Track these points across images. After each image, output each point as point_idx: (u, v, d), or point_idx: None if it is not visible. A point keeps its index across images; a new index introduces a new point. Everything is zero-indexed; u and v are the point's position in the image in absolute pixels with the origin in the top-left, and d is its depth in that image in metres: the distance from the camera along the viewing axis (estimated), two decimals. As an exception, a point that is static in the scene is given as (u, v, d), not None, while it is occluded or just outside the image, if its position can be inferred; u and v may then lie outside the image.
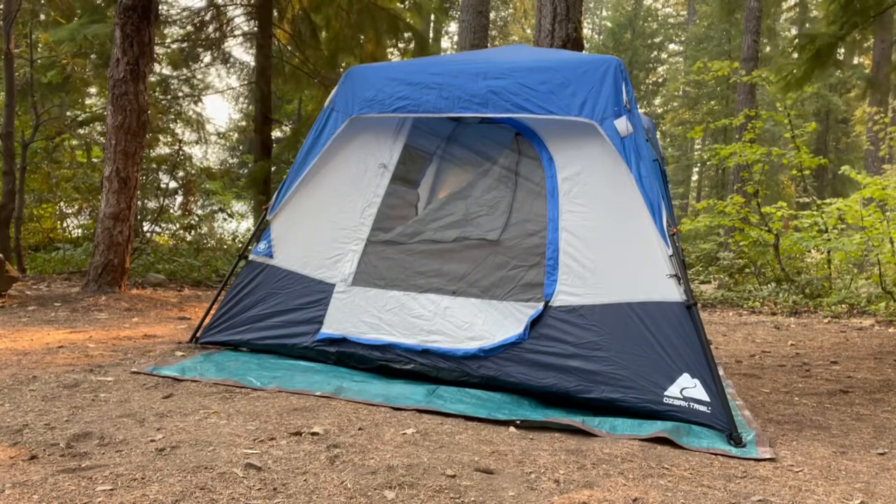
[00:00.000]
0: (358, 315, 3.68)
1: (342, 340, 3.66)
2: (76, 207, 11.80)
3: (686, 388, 2.90)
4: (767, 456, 2.57)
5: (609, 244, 3.22)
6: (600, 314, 3.15)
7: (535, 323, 3.26)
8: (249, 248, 4.12)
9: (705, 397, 2.86)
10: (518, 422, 2.86)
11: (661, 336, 3.00)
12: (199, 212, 12.62)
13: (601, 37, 33.18)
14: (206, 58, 11.30)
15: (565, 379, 3.11)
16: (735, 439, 2.70)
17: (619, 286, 3.14)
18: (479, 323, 3.42)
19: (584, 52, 8.60)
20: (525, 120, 3.54)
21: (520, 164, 3.73)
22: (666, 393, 2.92)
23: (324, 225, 3.91)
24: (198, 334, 4.15)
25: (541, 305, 3.28)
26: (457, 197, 3.85)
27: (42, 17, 10.21)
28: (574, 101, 3.32)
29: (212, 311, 4.21)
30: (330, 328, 3.71)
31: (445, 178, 4.74)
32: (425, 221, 3.82)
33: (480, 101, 3.52)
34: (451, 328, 3.46)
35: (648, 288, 3.07)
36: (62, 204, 11.67)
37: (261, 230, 4.16)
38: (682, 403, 2.89)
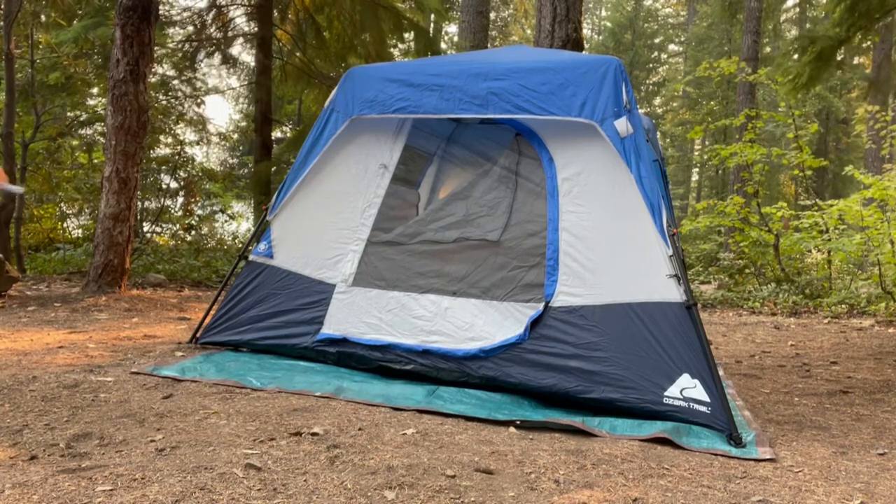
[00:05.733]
0: (358, 315, 3.68)
1: (342, 341, 3.66)
2: (76, 208, 11.80)
3: (686, 389, 2.90)
4: (767, 456, 2.57)
5: (609, 244, 3.22)
6: (600, 315, 3.15)
7: (535, 323, 3.26)
8: (249, 248, 4.12)
9: (705, 397, 2.86)
10: (518, 422, 2.87)
11: (661, 336, 3.00)
12: (200, 212, 12.63)
13: (601, 37, 33.15)
14: (207, 58, 11.28)
15: (565, 379, 3.11)
16: (735, 439, 2.70)
17: (619, 286, 3.15)
18: (479, 323, 3.42)
19: (584, 52, 8.60)
20: (525, 121, 3.54)
21: (520, 165, 3.73)
22: (666, 393, 2.93)
23: (324, 225, 3.92)
24: (198, 334, 4.15)
25: (541, 306, 3.28)
26: (457, 197, 3.85)
27: (43, 17, 10.20)
28: (574, 101, 3.32)
29: (212, 312, 4.21)
30: (330, 328, 3.71)
31: (446, 178, 4.74)
32: (426, 222, 3.82)
33: (481, 102, 3.52)
34: (452, 329, 3.46)
35: (648, 288, 3.07)
36: (62, 204, 11.67)
37: (261, 230, 4.16)
38: (682, 404, 2.89)
